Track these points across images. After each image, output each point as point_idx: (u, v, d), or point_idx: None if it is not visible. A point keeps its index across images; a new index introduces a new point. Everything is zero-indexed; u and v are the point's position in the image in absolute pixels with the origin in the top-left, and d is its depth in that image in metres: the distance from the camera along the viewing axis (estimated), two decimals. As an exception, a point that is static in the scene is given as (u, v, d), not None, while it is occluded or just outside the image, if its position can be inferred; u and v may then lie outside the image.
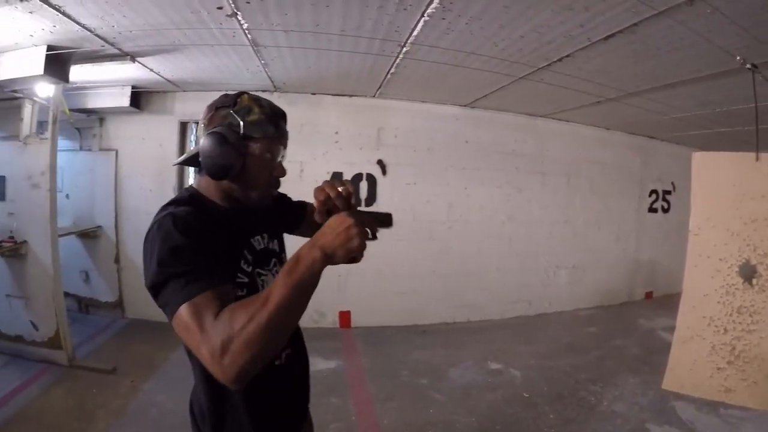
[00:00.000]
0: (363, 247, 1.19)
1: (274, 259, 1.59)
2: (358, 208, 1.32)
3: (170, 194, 6.09)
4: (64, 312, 4.80)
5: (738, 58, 3.44)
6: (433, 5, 3.05)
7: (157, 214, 1.30)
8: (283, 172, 1.49)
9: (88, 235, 6.23)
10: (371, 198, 6.22)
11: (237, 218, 1.46)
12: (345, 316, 6.25)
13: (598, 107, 5.75)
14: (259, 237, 1.56)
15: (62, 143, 5.63)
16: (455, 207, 6.59)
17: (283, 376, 1.53)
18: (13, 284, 4.85)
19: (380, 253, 5.83)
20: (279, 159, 1.46)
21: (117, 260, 6.28)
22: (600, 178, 7.47)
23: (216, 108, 1.41)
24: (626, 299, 8.02)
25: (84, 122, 6.25)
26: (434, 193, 6.49)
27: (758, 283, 2.84)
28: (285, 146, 1.49)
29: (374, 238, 1.29)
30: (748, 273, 2.87)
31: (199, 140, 1.41)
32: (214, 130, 1.35)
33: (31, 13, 3.24)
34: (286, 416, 1.57)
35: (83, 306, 6.43)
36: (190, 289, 1.11)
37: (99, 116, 6.22)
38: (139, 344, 5.37)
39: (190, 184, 1.55)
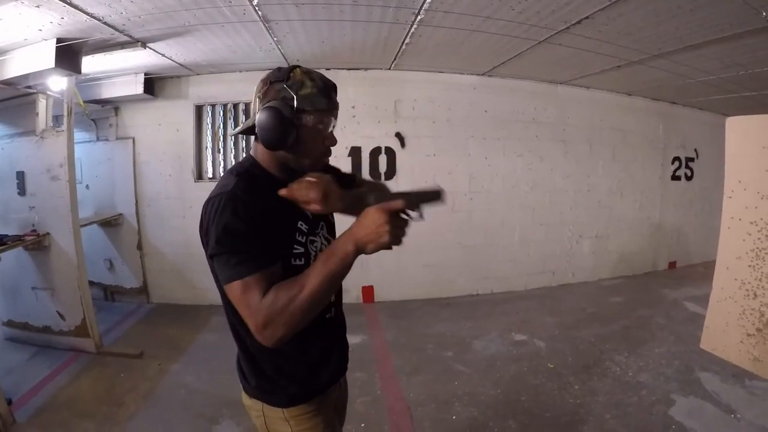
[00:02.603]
0: (394, 241, 1.31)
1: (321, 222, 1.65)
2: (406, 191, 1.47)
3: (189, 178, 6.09)
4: (90, 300, 4.82)
5: (764, 14, 3.28)
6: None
7: (220, 181, 1.45)
8: (334, 142, 1.54)
9: (110, 224, 6.23)
10: (391, 171, 6.16)
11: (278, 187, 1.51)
12: (368, 291, 6.26)
13: (620, 72, 5.57)
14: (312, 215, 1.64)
15: (79, 135, 5.65)
16: (476, 178, 6.48)
17: (329, 328, 1.70)
18: (38, 276, 4.86)
19: None
20: (330, 129, 1.51)
21: (140, 246, 6.30)
22: (622, 146, 7.28)
23: (270, 82, 1.45)
24: (650, 269, 7.87)
25: (99, 113, 6.25)
26: (455, 165, 6.39)
27: None
28: (336, 117, 1.53)
29: (420, 218, 1.43)
30: None
31: (254, 113, 1.47)
32: (269, 104, 1.40)
33: (38, 7, 3.21)
34: (331, 363, 1.70)
35: (109, 293, 6.47)
36: (241, 269, 1.29)
37: (114, 105, 6.19)
38: (165, 328, 5.42)
39: (249, 153, 1.61)
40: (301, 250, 1.51)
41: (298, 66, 1.48)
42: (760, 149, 2.89)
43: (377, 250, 1.32)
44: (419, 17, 3.86)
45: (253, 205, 1.34)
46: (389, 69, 6.00)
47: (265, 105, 1.41)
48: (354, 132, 6.04)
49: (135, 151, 6.19)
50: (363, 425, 3.40)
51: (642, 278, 7.50)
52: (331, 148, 1.54)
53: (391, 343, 4.90)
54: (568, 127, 6.84)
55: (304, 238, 1.53)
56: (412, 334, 5.11)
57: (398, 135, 6.20)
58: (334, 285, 1.34)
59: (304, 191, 1.43)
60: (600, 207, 7.19)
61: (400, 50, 5.00)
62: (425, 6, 3.60)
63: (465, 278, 6.53)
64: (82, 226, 4.93)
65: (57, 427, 3.42)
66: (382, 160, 6.13)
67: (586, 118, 6.93)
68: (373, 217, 1.30)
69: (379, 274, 6.16)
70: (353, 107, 6.04)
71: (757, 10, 3.28)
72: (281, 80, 1.42)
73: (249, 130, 1.51)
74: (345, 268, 1.32)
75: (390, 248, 1.32)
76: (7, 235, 4.61)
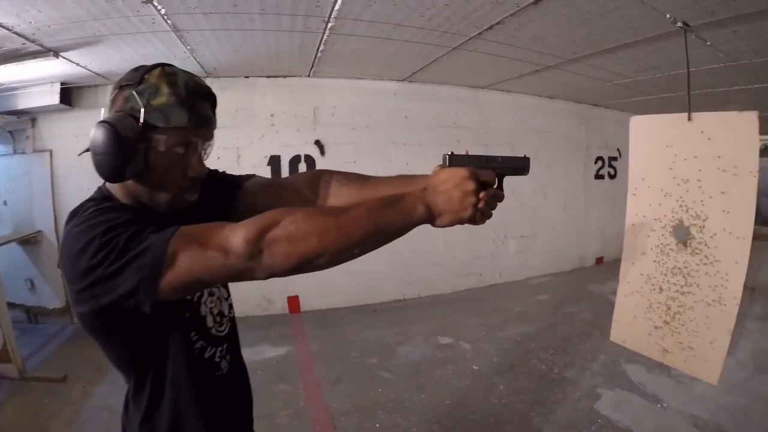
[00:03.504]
0: (481, 218, 1.11)
1: None
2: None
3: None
4: (10, 324, 4.55)
5: (668, 16, 3.35)
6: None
7: (68, 222, 1.06)
8: (200, 170, 1.16)
9: (29, 242, 5.89)
10: None
11: (157, 223, 1.04)
12: (294, 301, 6.10)
13: (538, 76, 5.63)
14: None
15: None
16: None
17: (223, 387, 1.32)
18: None
19: None
20: (199, 153, 1.16)
21: (59, 265, 5.95)
22: (544, 147, 7.40)
23: (120, 86, 1.10)
24: (577, 265, 8.07)
25: (16, 124, 5.91)
26: (375, 171, 6.11)
27: (691, 244, 2.81)
28: (207, 138, 1.16)
29: (501, 197, 1.18)
30: (682, 234, 2.85)
31: None
32: (104, 119, 1.05)
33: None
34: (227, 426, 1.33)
35: (32, 315, 6.10)
36: (159, 237, 0.96)
37: (31, 117, 5.87)
38: (88, 349, 5.01)
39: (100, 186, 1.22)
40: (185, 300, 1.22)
41: (165, 64, 1.11)
42: (664, 148, 2.96)
43: (452, 224, 1.08)
44: (329, 24, 3.78)
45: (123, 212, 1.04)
46: (308, 76, 5.90)
47: (100, 120, 1.06)
48: (273, 141, 5.92)
49: (53, 164, 5.86)
50: (285, 439, 3.30)
51: (569, 275, 7.67)
52: (201, 178, 1.18)
53: (315, 353, 4.79)
54: (490, 131, 6.90)
55: None
56: (338, 343, 5.02)
57: (318, 143, 6.09)
58: (375, 238, 1.02)
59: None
60: (524, 208, 7.26)
61: (316, 58, 4.92)
62: (334, 14, 3.52)
63: (391, 284, 6.47)
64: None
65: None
66: (302, 168, 6.01)
67: (508, 121, 7.01)
68: (462, 182, 1.04)
69: (304, 284, 5.86)
70: (272, 115, 5.92)
71: (664, 14, 3.34)
72: (132, 84, 1.07)
73: None
74: (403, 229, 1.05)
75: (473, 223, 1.09)
76: None
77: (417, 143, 6.43)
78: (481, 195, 1.08)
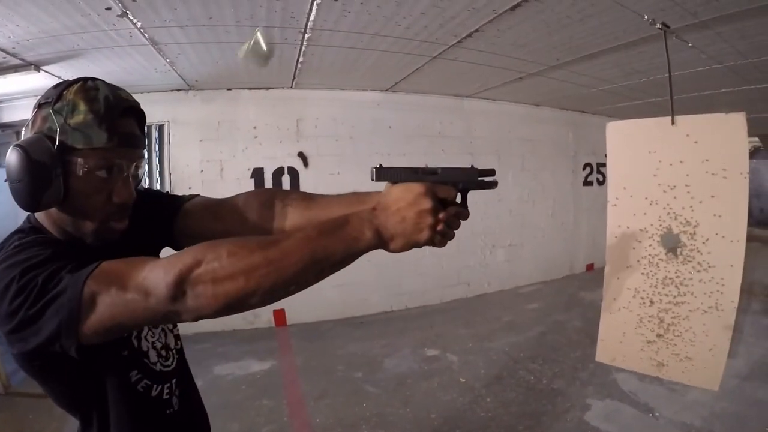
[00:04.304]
0: (440, 240, 0.94)
1: None
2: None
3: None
4: None
5: (645, 17, 3.29)
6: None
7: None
8: (126, 196, 1.04)
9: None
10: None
11: (84, 256, 0.93)
12: (280, 315, 6.02)
13: (523, 83, 5.59)
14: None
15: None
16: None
17: (176, 426, 1.22)
18: None
19: None
20: (126, 175, 1.04)
21: None
22: (531, 155, 7.38)
23: (39, 105, 1.00)
24: (568, 272, 8.01)
25: (0, 137, 6.04)
26: (359, 182, 6.02)
27: (682, 252, 2.71)
28: (132, 158, 1.05)
29: (465, 215, 1.00)
30: (671, 242, 2.75)
31: None
32: (17, 142, 0.95)
33: None
34: None
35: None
36: (77, 275, 0.85)
37: (15, 130, 5.88)
38: None
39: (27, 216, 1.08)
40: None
41: (88, 78, 1.01)
42: (647, 154, 2.86)
43: (406, 249, 0.94)
44: (306, 35, 3.73)
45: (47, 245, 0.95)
46: (291, 88, 5.85)
47: (14, 143, 0.95)
48: (256, 153, 5.87)
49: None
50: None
51: (560, 282, 7.61)
52: (126, 204, 1.05)
53: (300, 367, 4.71)
54: (475, 140, 6.87)
55: None
56: (323, 357, 4.94)
57: (301, 154, 6.03)
58: (313, 271, 0.89)
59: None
60: (512, 216, 7.22)
61: (296, 69, 4.88)
62: (309, 24, 3.47)
63: (378, 295, 6.38)
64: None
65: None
66: (285, 180, 5.94)
67: (493, 129, 6.98)
68: (417, 200, 0.91)
69: (290, 297, 5.85)
70: (255, 128, 5.87)
71: (643, 16, 3.27)
72: (50, 102, 0.96)
73: None
74: (343, 259, 0.91)
75: (432, 245, 0.95)
76: None
77: (401, 153, 6.37)
78: (441, 215, 0.94)
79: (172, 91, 5.50)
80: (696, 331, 2.67)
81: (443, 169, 1.02)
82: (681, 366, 2.75)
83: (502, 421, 3.52)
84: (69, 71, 4.40)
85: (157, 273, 0.84)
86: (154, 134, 5.69)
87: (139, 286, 0.83)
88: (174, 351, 1.27)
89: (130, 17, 3.15)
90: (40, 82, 4.58)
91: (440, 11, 3.26)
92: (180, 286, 0.82)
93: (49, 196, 0.94)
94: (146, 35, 3.55)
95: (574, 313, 5.82)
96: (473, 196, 1.05)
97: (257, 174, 5.88)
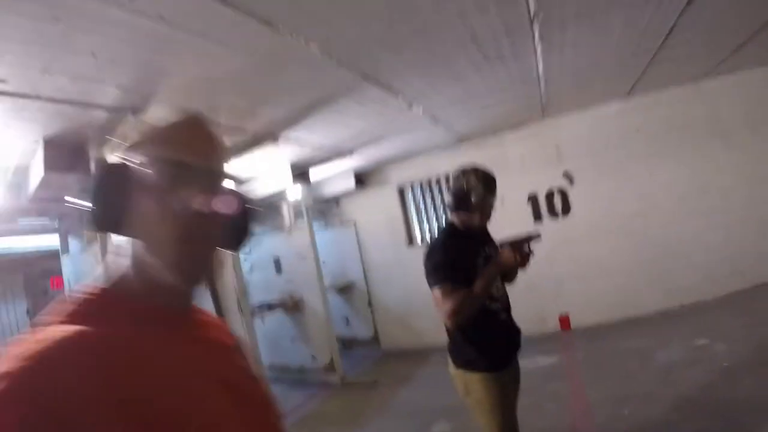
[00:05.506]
0: (521, 265, 2.30)
1: (486, 255, 2.48)
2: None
3: (402, 246, 7.42)
4: (336, 345, 6.28)
5: None
6: (538, 52, 3.86)
7: (437, 237, 2.52)
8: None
9: (344, 290, 7.76)
10: (566, 208, 6.60)
11: (472, 238, 2.44)
12: (564, 320, 6.49)
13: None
14: (486, 248, 2.49)
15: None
16: (645, 195, 6.28)
17: (498, 318, 2.44)
18: (295, 330, 6.50)
19: (585, 255, 6.32)
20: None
21: (369, 304, 7.72)
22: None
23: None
24: None
25: (324, 207, 7.95)
26: (621, 188, 6.35)
27: None
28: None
29: (528, 250, 2.32)
30: None
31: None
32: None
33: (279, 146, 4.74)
34: (501, 344, 2.45)
35: (346, 344, 7.82)
36: (443, 282, 2.23)
37: (335, 199, 7.84)
38: (393, 365, 6.69)
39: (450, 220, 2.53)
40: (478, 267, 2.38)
41: (469, 167, 2.47)
42: None
43: (512, 269, 2.36)
44: (543, 80, 4.63)
45: (451, 246, 2.34)
46: (542, 118, 6.47)
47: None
48: (528, 181, 6.65)
49: (357, 231, 7.74)
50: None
51: None
52: None
53: (582, 360, 5.34)
54: (724, 120, 6.19)
55: (481, 261, 2.40)
56: (601, 352, 5.40)
57: (566, 174, 6.55)
58: (488, 292, 2.29)
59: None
60: None
61: (542, 102, 5.62)
62: (542, 78, 4.50)
63: (652, 293, 6.22)
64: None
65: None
66: (557, 200, 6.60)
67: (741, 104, 6.16)
68: (506, 253, 2.26)
69: (573, 302, 6.43)
70: (522, 160, 6.68)
71: None
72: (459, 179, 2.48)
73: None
74: (492, 283, 2.30)
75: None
76: (271, 303, 6.47)
77: (651, 155, 6.27)
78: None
79: (445, 145, 6.73)
80: None
81: (512, 240, 2.33)
82: None
83: (754, 401, 3.52)
84: (374, 151, 6.13)
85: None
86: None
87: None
88: (504, 291, 2.55)
89: (414, 107, 4.54)
90: (352, 162, 6.40)
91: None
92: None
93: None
94: (430, 114, 4.91)
95: None
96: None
97: (532, 198, 6.66)
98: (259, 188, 5.79)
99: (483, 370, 2.32)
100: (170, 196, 0.76)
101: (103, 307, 0.75)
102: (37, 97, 2.67)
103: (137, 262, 0.78)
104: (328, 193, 7.43)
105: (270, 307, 6.46)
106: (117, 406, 0.61)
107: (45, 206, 4.18)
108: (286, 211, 6.57)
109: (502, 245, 2.36)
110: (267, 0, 2.30)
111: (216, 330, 0.95)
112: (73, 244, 4.81)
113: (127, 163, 0.78)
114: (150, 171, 0.76)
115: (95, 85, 2.73)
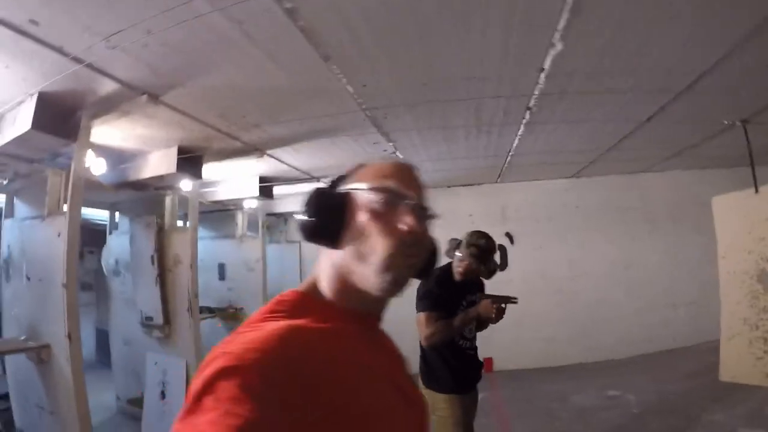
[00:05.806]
0: (495, 319, 2.74)
1: (469, 299, 2.95)
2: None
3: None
4: None
5: None
6: (519, 133, 4.37)
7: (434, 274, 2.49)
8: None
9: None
10: (504, 264, 6.60)
11: (460, 285, 2.91)
12: (488, 362, 6.52)
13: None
14: (469, 296, 2.94)
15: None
16: (576, 263, 7.20)
17: (466, 353, 2.89)
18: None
19: (518, 308, 6.56)
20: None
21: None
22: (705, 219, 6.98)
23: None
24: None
25: (273, 221, 8.03)
26: (557, 254, 7.25)
27: None
28: None
29: (504, 308, 2.76)
30: (766, 279, 3.44)
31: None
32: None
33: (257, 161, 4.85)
34: (467, 373, 2.89)
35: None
36: (428, 310, 2.67)
37: (284, 217, 7.98)
38: None
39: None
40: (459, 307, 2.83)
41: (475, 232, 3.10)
42: (742, 217, 3.62)
43: (486, 320, 2.77)
44: (510, 154, 5.25)
45: (438, 287, 2.73)
46: (496, 182, 7.27)
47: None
48: None
49: (300, 251, 7.81)
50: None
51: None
52: None
53: (506, 397, 5.73)
54: (655, 209, 7.31)
55: (465, 304, 2.86)
56: (524, 392, 5.87)
57: (508, 234, 7.22)
58: (462, 329, 2.75)
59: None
60: (691, 275, 7.06)
61: (501, 171, 6.30)
62: (512, 151, 5.09)
63: (572, 348, 6.95)
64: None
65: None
66: (497, 256, 6.68)
67: (670, 197, 7.29)
68: (486, 304, 2.70)
69: (498, 347, 6.45)
70: (471, 215, 7.21)
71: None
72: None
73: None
74: (469, 323, 2.76)
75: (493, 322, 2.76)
76: (211, 307, 6.45)
77: (589, 228, 7.23)
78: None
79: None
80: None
81: (494, 295, 2.84)
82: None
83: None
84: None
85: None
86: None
87: None
88: (474, 335, 3.00)
89: (398, 154, 4.88)
90: (309, 186, 6.42)
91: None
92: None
93: None
94: (397, 153, 5.12)
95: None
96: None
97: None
98: (220, 191, 5.88)
99: (449, 391, 2.75)
100: (390, 218, 0.88)
101: (308, 306, 0.88)
102: (59, 50, 2.36)
103: (344, 271, 0.89)
104: (280, 210, 7.48)
105: (210, 311, 6.42)
106: (324, 386, 0.71)
107: (4, 162, 3.87)
108: (240, 219, 6.62)
109: (484, 297, 2.86)
110: (335, 36, 2.42)
111: (388, 340, 1.05)
112: (21, 208, 4.29)
113: (353, 190, 0.92)
114: (375, 198, 0.89)
115: (124, 55, 2.46)
